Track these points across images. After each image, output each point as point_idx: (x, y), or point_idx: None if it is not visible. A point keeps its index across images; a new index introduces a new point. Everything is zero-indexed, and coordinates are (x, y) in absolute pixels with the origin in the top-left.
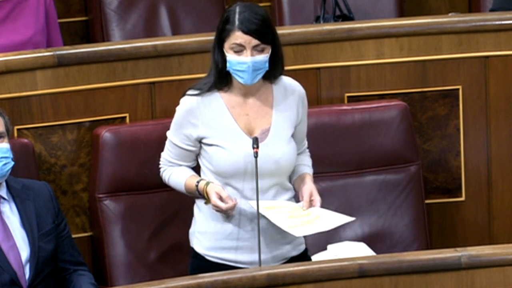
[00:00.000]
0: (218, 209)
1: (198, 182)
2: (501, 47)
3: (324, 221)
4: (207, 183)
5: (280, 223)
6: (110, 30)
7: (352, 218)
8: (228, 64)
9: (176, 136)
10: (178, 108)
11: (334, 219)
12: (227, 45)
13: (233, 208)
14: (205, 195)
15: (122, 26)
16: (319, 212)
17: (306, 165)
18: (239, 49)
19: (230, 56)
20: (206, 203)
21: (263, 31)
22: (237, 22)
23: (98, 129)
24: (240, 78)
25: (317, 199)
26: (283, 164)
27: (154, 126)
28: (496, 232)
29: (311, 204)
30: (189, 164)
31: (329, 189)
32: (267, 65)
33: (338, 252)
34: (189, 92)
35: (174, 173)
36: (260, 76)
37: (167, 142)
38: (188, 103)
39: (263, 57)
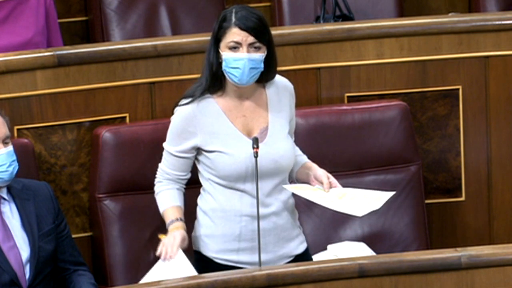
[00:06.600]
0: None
1: (171, 221)
2: (501, 47)
3: (364, 199)
4: (175, 227)
5: (334, 206)
6: (110, 30)
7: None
8: (223, 63)
9: (173, 145)
10: (173, 119)
11: (372, 196)
12: (223, 44)
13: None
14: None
15: (122, 26)
16: (349, 193)
17: (302, 155)
18: (235, 46)
19: (226, 54)
20: (160, 237)
21: (260, 30)
22: (234, 19)
23: (98, 129)
24: (234, 77)
25: (334, 181)
26: (285, 161)
27: (154, 126)
28: (496, 232)
29: (330, 186)
30: (184, 174)
31: None
32: (262, 65)
33: (338, 252)
34: (182, 102)
35: (163, 193)
36: (255, 77)
37: (164, 153)
38: (183, 112)
39: (259, 55)
